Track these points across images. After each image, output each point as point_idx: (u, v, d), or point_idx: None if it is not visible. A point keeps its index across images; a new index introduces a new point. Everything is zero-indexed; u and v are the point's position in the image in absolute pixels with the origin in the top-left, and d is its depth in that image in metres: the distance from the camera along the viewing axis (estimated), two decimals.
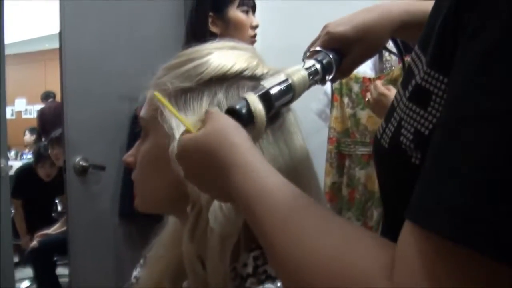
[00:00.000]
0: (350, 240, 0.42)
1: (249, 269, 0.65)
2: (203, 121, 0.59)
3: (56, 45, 2.21)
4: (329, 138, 1.94)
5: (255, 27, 1.77)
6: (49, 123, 5.19)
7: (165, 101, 0.64)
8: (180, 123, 0.67)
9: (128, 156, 0.76)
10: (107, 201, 2.24)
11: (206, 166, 0.56)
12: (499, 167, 0.33)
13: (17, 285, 3.51)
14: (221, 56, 0.70)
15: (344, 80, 1.86)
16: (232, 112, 0.61)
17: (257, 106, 0.62)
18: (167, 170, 0.65)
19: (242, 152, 0.53)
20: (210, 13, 1.72)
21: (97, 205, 2.22)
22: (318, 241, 0.43)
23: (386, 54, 1.83)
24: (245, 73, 0.70)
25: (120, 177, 2.24)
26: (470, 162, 0.34)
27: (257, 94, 0.63)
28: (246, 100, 0.62)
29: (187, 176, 0.60)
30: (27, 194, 3.76)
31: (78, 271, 2.17)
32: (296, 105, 0.72)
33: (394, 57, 1.82)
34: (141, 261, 0.89)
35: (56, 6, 2.10)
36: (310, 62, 0.73)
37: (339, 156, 1.93)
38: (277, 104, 0.66)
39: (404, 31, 0.77)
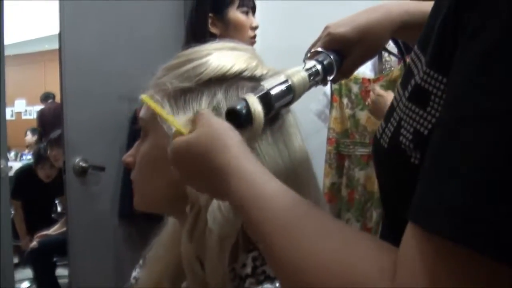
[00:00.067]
0: (349, 243, 0.42)
1: (248, 270, 0.65)
2: (194, 123, 0.59)
3: (55, 46, 2.21)
4: (328, 139, 1.94)
5: (255, 28, 1.77)
6: (49, 124, 5.20)
7: (154, 103, 0.64)
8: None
9: (128, 156, 0.76)
10: (107, 202, 2.24)
11: (201, 169, 0.56)
12: (499, 167, 0.33)
13: (17, 286, 3.51)
14: (220, 56, 0.70)
15: (343, 81, 1.86)
16: (232, 112, 0.61)
17: (257, 107, 0.62)
18: (166, 170, 0.65)
19: (237, 156, 0.53)
20: (210, 14, 1.72)
21: (96, 206, 2.22)
22: (318, 244, 0.43)
23: (385, 55, 1.83)
24: (245, 73, 0.70)
25: (120, 177, 2.24)
26: (470, 162, 0.34)
27: (257, 95, 0.63)
28: (246, 101, 0.62)
29: (184, 178, 0.60)
30: (27, 195, 3.76)
31: (78, 271, 2.16)
32: (295, 105, 0.72)
33: (393, 58, 1.82)
34: (141, 261, 0.89)
35: (55, 7, 2.10)
36: (311, 63, 0.73)
37: (339, 157, 1.93)
38: (277, 105, 0.66)
39: (404, 31, 0.78)
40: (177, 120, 0.64)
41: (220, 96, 0.68)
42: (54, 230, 3.60)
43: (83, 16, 2.13)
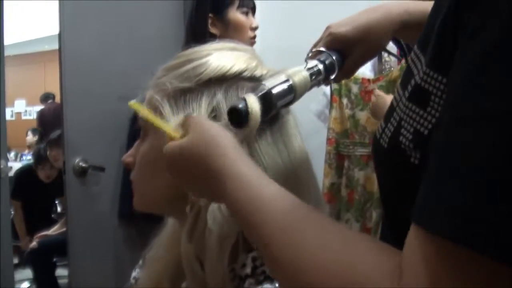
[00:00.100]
0: (349, 245, 0.43)
1: (248, 270, 0.65)
2: (185, 127, 0.59)
3: (55, 46, 2.21)
4: (328, 139, 1.94)
5: (255, 28, 1.77)
6: (49, 124, 5.19)
7: (143, 109, 0.64)
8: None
9: (127, 157, 0.76)
10: (107, 202, 2.24)
11: (196, 173, 0.56)
12: (499, 167, 0.33)
13: (16, 286, 3.51)
14: (220, 57, 0.70)
15: (343, 81, 1.86)
16: (233, 111, 0.61)
17: (254, 106, 0.62)
18: (166, 170, 0.65)
19: (233, 158, 0.53)
20: (210, 14, 1.72)
21: (96, 206, 2.22)
22: (318, 246, 0.43)
23: (385, 55, 1.83)
24: (244, 74, 0.70)
25: (120, 178, 2.24)
26: (470, 162, 0.34)
27: (258, 94, 0.64)
28: (246, 100, 0.62)
29: (179, 183, 0.60)
30: (27, 195, 3.76)
31: (78, 272, 2.16)
32: (295, 106, 0.72)
33: (393, 58, 1.82)
34: (140, 262, 0.89)
35: (55, 7, 2.10)
36: (312, 63, 0.73)
37: (338, 157, 1.93)
38: (279, 104, 0.66)
39: (405, 31, 0.78)
40: (168, 125, 0.64)
41: (220, 96, 0.68)
42: (54, 231, 3.60)
43: (83, 17, 2.13)
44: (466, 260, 0.34)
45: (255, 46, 1.77)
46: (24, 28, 6.67)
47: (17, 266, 3.63)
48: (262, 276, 0.63)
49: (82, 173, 2.13)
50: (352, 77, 1.85)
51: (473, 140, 0.34)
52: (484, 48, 0.35)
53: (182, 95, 0.69)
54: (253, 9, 1.79)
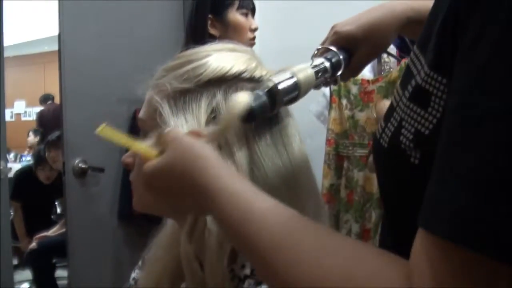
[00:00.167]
0: (351, 256, 0.42)
1: (247, 270, 0.65)
2: (162, 143, 0.59)
3: (55, 47, 2.21)
4: (327, 140, 1.94)
5: (254, 29, 1.77)
6: (49, 125, 5.19)
7: (111, 132, 0.63)
8: (179, 124, 0.67)
9: (127, 157, 0.76)
10: (106, 203, 2.24)
11: (182, 190, 0.56)
12: (499, 167, 0.33)
13: (16, 287, 3.51)
14: (219, 58, 0.71)
15: (342, 82, 1.86)
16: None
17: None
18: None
19: (219, 173, 0.53)
20: (210, 15, 1.72)
21: (96, 207, 2.22)
22: (319, 259, 0.43)
23: (384, 56, 1.83)
24: (244, 75, 0.70)
25: (119, 179, 2.24)
26: (470, 162, 0.34)
27: (266, 90, 0.64)
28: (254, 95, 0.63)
29: (162, 203, 0.60)
30: (26, 196, 3.76)
31: (77, 273, 2.16)
32: (295, 106, 0.72)
33: (392, 59, 1.82)
34: (140, 262, 0.89)
35: (55, 8, 2.10)
36: (319, 60, 0.74)
37: (337, 158, 1.93)
38: (285, 100, 0.66)
39: (410, 28, 0.78)
40: (143, 145, 0.63)
41: (219, 97, 0.68)
42: (53, 232, 3.60)
43: (83, 18, 2.13)
44: (468, 260, 0.34)
45: (254, 47, 1.77)
46: (24, 29, 6.67)
47: (16, 267, 3.63)
48: None
49: (81, 174, 2.13)
50: (351, 78, 1.86)
51: (473, 140, 0.34)
52: (486, 49, 0.35)
53: (181, 96, 0.69)
54: (252, 11, 1.79)
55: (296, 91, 0.67)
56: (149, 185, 0.60)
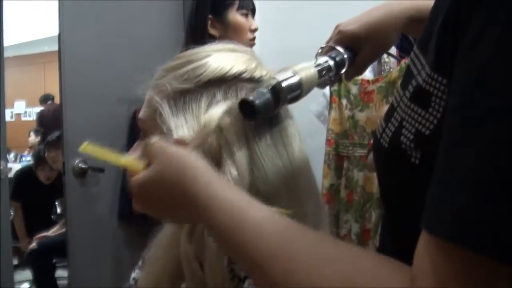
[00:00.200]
0: (357, 265, 0.42)
1: None
2: (148, 155, 0.59)
3: (55, 47, 2.21)
4: (327, 140, 1.94)
5: (254, 30, 1.77)
6: (49, 125, 5.19)
7: (97, 150, 0.63)
8: (179, 124, 0.67)
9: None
10: (106, 203, 2.24)
11: (172, 201, 0.55)
12: (499, 167, 0.33)
13: (16, 287, 3.51)
14: (219, 58, 0.71)
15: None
16: (245, 103, 0.63)
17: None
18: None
19: (209, 181, 0.53)
20: (210, 16, 1.72)
21: (96, 207, 2.22)
22: (319, 268, 0.42)
23: (384, 56, 1.83)
24: (244, 75, 0.70)
25: (119, 179, 2.24)
26: (470, 161, 0.34)
27: (269, 87, 0.64)
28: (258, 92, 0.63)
29: (157, 215, 0.59)
30: (26, 196, 3.76)
31: (77, 273, 2.16)
32: (295, 106, 0.72)
33: (392, 59, 1.82)
34: (140, 262, 0.89)
35: (55, 9, 2.10)
36: (323, 59, 0.75)
37: (337, 158, 1.93)
38: (288, 98, 0.66)
39: (413, 26, 0.79)
40: (128, 158, 0.63)
41: (219, 97, 0.68)
42: (53, 232, 3.60)
43: (83, 18, 2.13)
44: (469, 261, 0.34)
45: (254, 47, 1.77)
46: (24, 29, 6.67)
47: (16, 267, 3.63)
48: None
49: (81, 174, 2.13)
50: None
51: (473, 140, 0.34)
52: (485, 49, 0.35)
53: (181, 96, 0.69)
54: (253, 11, 1.79)
55: (299, 90, 0.67)
56: (139, 198, 0.60)
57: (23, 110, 8.26)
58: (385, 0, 0.83)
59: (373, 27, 0.79)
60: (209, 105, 0.68)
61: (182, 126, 0.67)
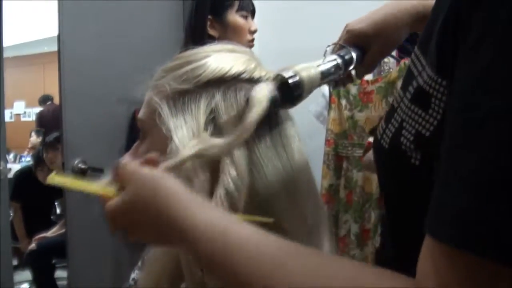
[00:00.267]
0: (357, 279, 0.41)
1: None
2: (120, 179, 0.58)
3: (54, 48, 2.21)
4: (327, 140, 1.94)
5: (254, 32, 1.77)
6: (48, 126, 5.19)
7: (66, 180, 0.62)
8: (178, 124, 0.67)
9: (126, 158, 0.76)
10: None
11: (149, 225, 0.55)
12: (501, 167, 0.33)
13: (16, 287, 3.51)
14: (218, 58, 0.71)
15: None
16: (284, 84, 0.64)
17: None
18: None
19: (189, 204, 0.52)
20: (209, 16, 1.72)
21: (95, 208, 2.18)
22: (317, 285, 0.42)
23: None
24: (243, 76, 0.70)
25: None
26: (472, 163, 0.34)
27: (277, 85, 0.65)
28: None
29: (135, 239, 0.58)
30: (26, 197, 3.75)
31: (77, 273, 2.16)
32: (294, 106, 0.72)
33: (391, 60, 1.82)
34: (139, 263, 0.89)
35: (55, 9, 2.11)
36: (332, 57, 0.75)
37: (337, 158, 1.93)
38: (294, 95, 0.67)
39: (421, 24, 0.79)
40: (98, 184, 0.62)
41: (218, 98, 0.68)
42: (53, 232, 3.59)
43: (82, 18, 2.13)
44: (471, 264, 0.34)
45: (253, 47, 1.77)
46: (24, 29, 6.67)
47: (16, 267, 3.62)
48: None
49: (81, 174, 2.13)
50: None
51: (475, 141, 0.34)
52: (487, 49, 0.35)
53: (180, 97, 0.69)
54: (252, 12, 1.79)
55: (300, 89, 0.67)
56: (114, 224, 0.59)
57: (23, 110, 8.26)
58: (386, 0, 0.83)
59: (381, 25, 0.80)
60: (208, 106, 0.68)
61: (181, 127, 0.67)
